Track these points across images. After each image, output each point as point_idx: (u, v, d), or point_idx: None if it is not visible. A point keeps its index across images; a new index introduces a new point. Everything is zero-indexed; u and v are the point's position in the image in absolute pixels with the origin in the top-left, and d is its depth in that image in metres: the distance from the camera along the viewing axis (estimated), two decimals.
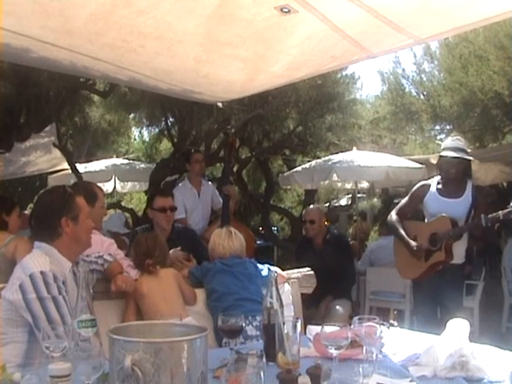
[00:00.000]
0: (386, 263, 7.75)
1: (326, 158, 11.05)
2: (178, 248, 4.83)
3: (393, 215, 5.68)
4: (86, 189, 4.10)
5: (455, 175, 5.35)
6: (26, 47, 4.15)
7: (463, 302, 5.66)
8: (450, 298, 5.31)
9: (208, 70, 4.70)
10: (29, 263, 3.07)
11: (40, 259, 3.06)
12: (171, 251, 4.60)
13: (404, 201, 5.75)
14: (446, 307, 5.27)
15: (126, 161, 13.44)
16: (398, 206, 5.77)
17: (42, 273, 2.97)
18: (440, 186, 5.44)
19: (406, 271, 5.68)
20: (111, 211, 13.82)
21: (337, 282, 6.35)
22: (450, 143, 5.43)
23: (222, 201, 7.27)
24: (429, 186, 5.52)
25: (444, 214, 5.26)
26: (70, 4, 3.49)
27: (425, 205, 5.49)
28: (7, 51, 4.27)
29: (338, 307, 6.39)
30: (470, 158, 5.39)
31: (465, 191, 5.33)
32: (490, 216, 5.02)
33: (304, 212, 7.19)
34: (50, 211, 3.21)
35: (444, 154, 5.37)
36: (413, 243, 5.40)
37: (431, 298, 5.41)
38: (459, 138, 5.65)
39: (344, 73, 12.36)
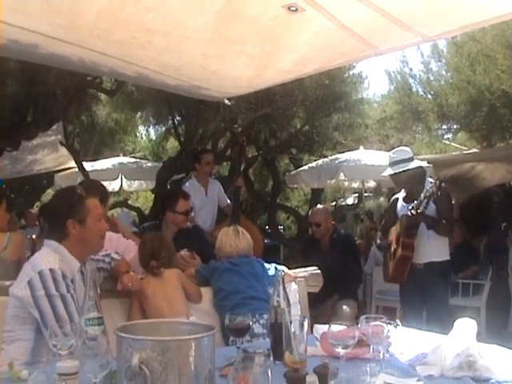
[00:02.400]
0: None
1: (333, 156, 11.05)
2: (185, 250, 4.83)
3: (377, 233, 6.32)
4: (98, 188, 4.11)
5: (409, 184, 5.65)
6: (35, 43, 4.15)
7: (469, 302, 5.78)
8: (434, 295, 5.51)
9: (216, 66, 4.71)
10: (38, 260, 3.07)
11: (50, 257, 3.06)
12: (178, 253, 4.59)
13: (384, 219, 6.25)
14: (431, 304, 5.52)
15: (133, 159, 13.45)
16: (382, 223, 6.28)
17: (51, 270, 2.96)
18: (404, 195, 5.78)
19: (384, 274, 5.97)
20: (118, 210, 13.86)
21: (343, 281, 6.33)
22: (390, 158, 5.73)
23: (228, 200, 7.31)
24: (397, 198, 5.90)
25: (402, 214, 5.59)
26: (78, 0, 3.50)
27: (398, 214, 5.78)
28: (15, 48, 4.28)
29: (344, 307, 6.38)
30: (413, 166, 5.56)
31: (423, 192, 5.49)
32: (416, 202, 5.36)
33: (310, 213, 7.17)
34: (56, 212, 3.23)
35: (385, 173, 5.80)
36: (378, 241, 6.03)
37: (417, 296, 5.62)
38: (398, 149, 5.84)
39: (351, 72, 12.34)
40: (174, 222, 5.34)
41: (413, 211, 5.32)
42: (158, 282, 3.93)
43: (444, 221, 5.49)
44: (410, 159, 5.59)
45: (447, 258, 5.61)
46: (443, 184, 5.35)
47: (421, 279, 5.50)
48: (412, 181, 5.57)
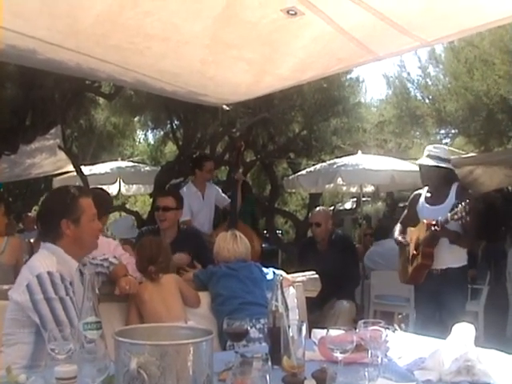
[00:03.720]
0: (380, 269, 7.83)
1: (331, 161, 11.05)
2: (181, 254, 4.82)
3: (397, 224, 5.95)
4: (104, 197, 4.11)
5: (435, 183, 5.52)
6: (33, 48, 4.15)
7: (467, 306, 5.72)
8: (451, 301, 5.40)
9: (214, 72, 4.70)
10: (36, 264, 3.06)
11: (47, 260, 3.05)
12: (175, 256, 4.59)
13: (405, 211, 5.99)
14: (447, 310, 5.37)
15: (131, 163, 13.44)
16: (401, 216, 6.02)
17: (49, 273, 2.95)
18: (428, 194, 5.62)
19: (401, 275, 5.85)
20: (116, 214, 13.84)
21: (341, 283, 6.33)
22: (427, 152, 5.58)
23: (228, 199, 7.34)
24: (420, 194, 5.72)
25: (424, 220, 5.41)
26: (77, 5, 3.49)
27: (417, 213, 5.65)
28: (13, 53, 4.27)
29: (344, 302, 6.39)
30: (446, 165, 5.48)
31: (448, 197, 5.42)
32: (442, 218, 5.17)
33: (310, 214, 7.19)
34: (50, 212, 3.22)
35: (420, 162, 5.62)
36: (399, 238, 5.74)
37: (432, 301, 5.52)
38: (438, 146, 5.78)
39: (349, 76, 12.38)
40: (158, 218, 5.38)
41: (437, 227, 5.19)
42: (156, 287, 3.92)
43: (465, 233, 5.34)
44: (446, 160, 5.50)
45: (464, 263, 5.51)
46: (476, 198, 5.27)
47: (437, 285, 5.42)
48: (440, 181, 5.48)
